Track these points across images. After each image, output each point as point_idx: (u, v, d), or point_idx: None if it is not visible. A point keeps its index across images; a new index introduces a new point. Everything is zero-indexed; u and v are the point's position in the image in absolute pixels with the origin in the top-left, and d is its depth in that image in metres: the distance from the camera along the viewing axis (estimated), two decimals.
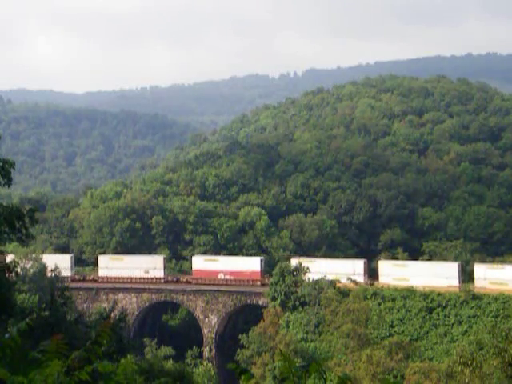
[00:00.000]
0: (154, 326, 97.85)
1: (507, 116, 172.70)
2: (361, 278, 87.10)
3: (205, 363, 74.07)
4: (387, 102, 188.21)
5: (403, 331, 78.18)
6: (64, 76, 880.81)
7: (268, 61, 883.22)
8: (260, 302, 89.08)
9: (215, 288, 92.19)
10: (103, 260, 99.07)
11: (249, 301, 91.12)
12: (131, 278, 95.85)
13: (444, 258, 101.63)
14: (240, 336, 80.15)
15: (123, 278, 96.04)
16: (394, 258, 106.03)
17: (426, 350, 75.35)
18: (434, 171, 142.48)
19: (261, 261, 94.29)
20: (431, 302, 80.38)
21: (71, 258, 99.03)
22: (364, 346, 66.05)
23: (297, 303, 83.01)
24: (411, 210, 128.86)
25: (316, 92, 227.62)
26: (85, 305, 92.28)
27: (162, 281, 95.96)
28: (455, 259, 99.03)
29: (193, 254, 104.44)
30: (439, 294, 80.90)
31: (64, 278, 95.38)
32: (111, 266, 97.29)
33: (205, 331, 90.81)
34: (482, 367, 34.43)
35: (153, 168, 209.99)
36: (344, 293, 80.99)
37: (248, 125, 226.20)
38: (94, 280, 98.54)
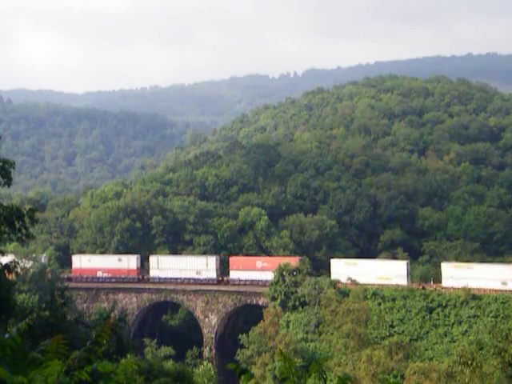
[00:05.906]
0: (154, 325, 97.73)
1: (507, 116, 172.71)
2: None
3: (205, 363, 73.90)
4: (387, 102, 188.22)
5: (403, 331, 78.16)
6: (64, 76, 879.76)
7: (268, 61, 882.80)
8: (260, 302, 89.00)
9: (215, 288, 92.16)
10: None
11: (249, 301, 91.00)
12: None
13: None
14: (240, 336, 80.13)
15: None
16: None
17: (426, 350, 75.32)
18: (434, 171, 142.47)
19: None
20: (431, 302, 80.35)
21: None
22: (364, 346, 66.04)
23: (297, 303, 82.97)
24: (411, 210, 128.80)
25: (316, 92, 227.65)
26: (85, 305, 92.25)
27: None
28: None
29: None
30: (439, 294, 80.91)
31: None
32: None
33: (205, 331, 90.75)
34: (481, 367, 34.45)
35: (153, 168, 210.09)
36: (344, 293, 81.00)
37: (248, 125, 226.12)
38: None
